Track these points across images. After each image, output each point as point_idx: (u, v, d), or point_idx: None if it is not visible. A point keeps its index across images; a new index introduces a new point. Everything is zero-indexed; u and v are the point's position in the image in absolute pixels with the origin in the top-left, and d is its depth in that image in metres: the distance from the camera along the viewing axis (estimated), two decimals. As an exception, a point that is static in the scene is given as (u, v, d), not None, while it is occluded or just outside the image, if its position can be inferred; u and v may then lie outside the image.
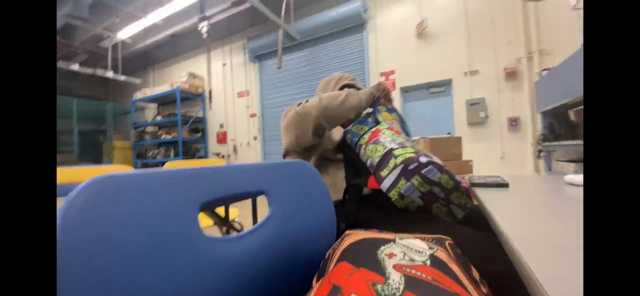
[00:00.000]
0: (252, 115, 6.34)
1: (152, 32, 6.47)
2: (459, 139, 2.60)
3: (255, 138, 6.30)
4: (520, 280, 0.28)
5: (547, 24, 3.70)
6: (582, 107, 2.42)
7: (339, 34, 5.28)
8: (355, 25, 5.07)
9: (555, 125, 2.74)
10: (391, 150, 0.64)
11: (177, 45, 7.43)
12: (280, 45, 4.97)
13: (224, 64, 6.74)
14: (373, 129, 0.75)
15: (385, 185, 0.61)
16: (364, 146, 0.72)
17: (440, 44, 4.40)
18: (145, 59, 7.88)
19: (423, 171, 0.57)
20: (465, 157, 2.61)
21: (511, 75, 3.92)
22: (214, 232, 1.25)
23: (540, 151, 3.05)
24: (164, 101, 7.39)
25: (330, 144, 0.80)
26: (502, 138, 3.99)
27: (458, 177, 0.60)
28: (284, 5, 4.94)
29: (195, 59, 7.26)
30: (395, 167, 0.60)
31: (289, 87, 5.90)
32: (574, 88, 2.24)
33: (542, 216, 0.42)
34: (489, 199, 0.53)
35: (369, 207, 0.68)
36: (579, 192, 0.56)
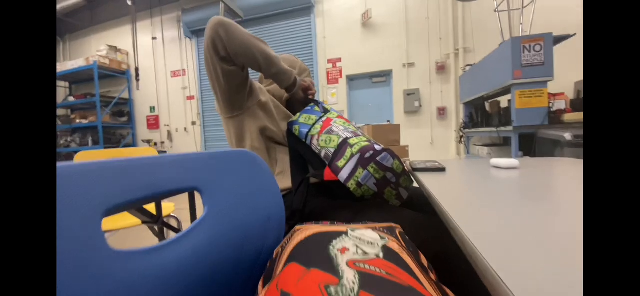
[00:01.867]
0: (190, 98, 5.78)
1: (60, -6, 5.30)
2: (397, 126, 2.80)
3: (193, 123, 5.78)
4: (462, 256, 0.30)
5: (471, 24, 4.19)
6: (495, 99, 2.84)
7: (286, 15, 5.11)
8: (303, 7, 4.96)
9: (474, 115, 3.16)
10: (346, 139, 0.64)
11: (95, 12, 6.23)
12: (221, 22, 4.56)
13: (153, 38, 5.92)
14: (323, 118, 0.74)
15: (343, 176, 0.61)
16: (316, 137, 0.70)
17: (383, 36, 4.62)
18: (47, 25, 6.41)
19: (378, 158, 0.59)
20: (402, 143, 2.83)
21: (441, 68, 4.36)
22: (144, 232, 1.09)
23: (461, 137, 3.50)
24: (77, 78, 6.18)
25: (275, 126, 0.76)
26: (431, 125, 4.45)
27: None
28: (225, -22, 4.53)
29: (117, 29, 6.21)
30: (352, 156, 0.60)
31: (232, 68, 5.53)
32: (490, 83, 2.60)
33: (477, 196, 0.46)
34: (430, 183, 0.57)
35: (317, 197, 0.66)
36: (504, 174, 0.65)
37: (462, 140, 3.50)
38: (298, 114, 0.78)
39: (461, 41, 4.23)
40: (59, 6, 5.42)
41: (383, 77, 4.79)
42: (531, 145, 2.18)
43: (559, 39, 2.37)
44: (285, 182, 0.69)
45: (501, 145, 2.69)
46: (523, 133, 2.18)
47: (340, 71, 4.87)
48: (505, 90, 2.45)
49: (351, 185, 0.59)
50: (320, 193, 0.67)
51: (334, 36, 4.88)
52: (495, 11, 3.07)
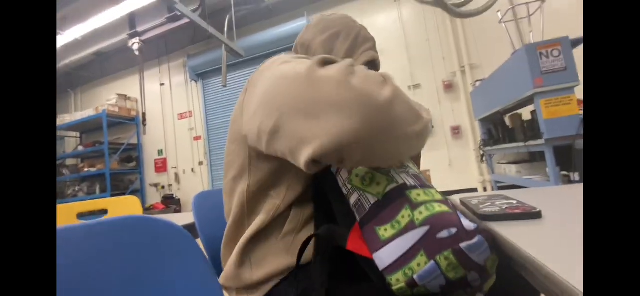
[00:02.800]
0: (197, 138, 5.76)
1: (73, 50, 5.58)
2: (412, 149, 2.58)
3: (200, 163, 5.71)
4: None
5: (474, 40, 4.10)
6: (516, 112, 2.62)
7: (285, 52, 5.18)
8: (303, 42, 5.02)
9: (493, 131, 2.93)
10: (404, 187, 0.36)
11: (105, 64, 6.51)
12: (224, 62, 4.64)
13: (162, 84, 6.08)
14: None
15: (384, 259, 0.32)
16: (347, 169, 0.42)
17: (384, 60, 4.52)
18: (65, 81, 6.72)
19: (464, 246, 0.31)
20: (422, 168, 2.59)
21: (449, 87, 4.21)
22: None
23: (482, 155, 3.24)
24: (88, 128, 6.31)
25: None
26: (447, 146, 4.21)
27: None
28: (226, 22, 4.67)
29: (127, 79, 6.43)
30: (411, 225, 0.32)
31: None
32: (507, 95, 2.41)
33: None
34: (520, 238, 0.31)
35: (345, 277, 0.36)
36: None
37: (484, 158, 3.24)
38: None
39: (466, 58, 4.12)
40: (69, 60, 5.67)
41: (389, 101, 4.66)
42: (568, 158, 1.92)
43: (577, 43, 2.20)
44: (290, 254, 0.40)
45: (531, 162, 2.43)
46: (558, 146, 1.93)
47: (345, 99, 4.79)
48: (526, 101, 2.25)
49: (396, 281, 0.31)
50: (351, 273, 0.36)
51: (336, 65, 4.87)
52: (500, 23, 2.97)
